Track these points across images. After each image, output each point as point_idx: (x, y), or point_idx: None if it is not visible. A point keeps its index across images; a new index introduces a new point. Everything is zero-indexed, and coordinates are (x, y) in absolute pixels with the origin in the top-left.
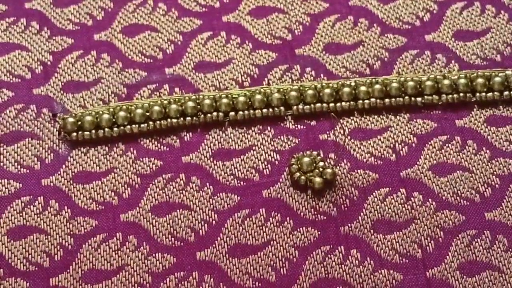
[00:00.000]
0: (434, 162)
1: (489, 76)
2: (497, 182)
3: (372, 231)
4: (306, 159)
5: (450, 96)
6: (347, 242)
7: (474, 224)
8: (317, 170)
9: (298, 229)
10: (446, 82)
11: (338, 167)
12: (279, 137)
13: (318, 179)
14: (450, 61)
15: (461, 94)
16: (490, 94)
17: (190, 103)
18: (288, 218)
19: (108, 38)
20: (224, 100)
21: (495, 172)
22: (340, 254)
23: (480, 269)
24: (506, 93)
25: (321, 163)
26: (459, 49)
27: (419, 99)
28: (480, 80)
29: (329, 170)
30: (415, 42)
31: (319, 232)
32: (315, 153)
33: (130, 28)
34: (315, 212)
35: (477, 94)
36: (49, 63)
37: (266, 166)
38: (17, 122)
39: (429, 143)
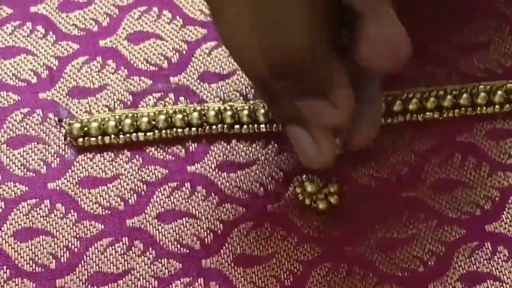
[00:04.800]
0: (434, 180)
1: (490, 89)
2: (497, 194)
3: (375, 248)
4: (310, 184)
5: (451, 112)
6: (350, 259)
7: (475, 237)
8: (320, 195)
9: (302, 245)
10: (448, 97)
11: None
12: (283, 152)
13: (323, 202)
14: (451, 74)
15: (462, 109)
16: (490, 108)
17: (195, 114)
18: (292, 234)
19: (114, 45)
20: (228, 113)
21: (494, 185)
22: (343, 270)
23: (481, 279)
24: (506, 106)
25: (325, 189)
26: (460, 62)
27: (420, 116)
28: (481, 94)
29: (334, 196)
30: None
31: (322, 250)
32: (318, 179)
33: (135, 35)
34: (319, 232)
35: (478, 109)
36: (54, 68)
37: (271, 182)
38: (23, 126)
39: (429, 161)
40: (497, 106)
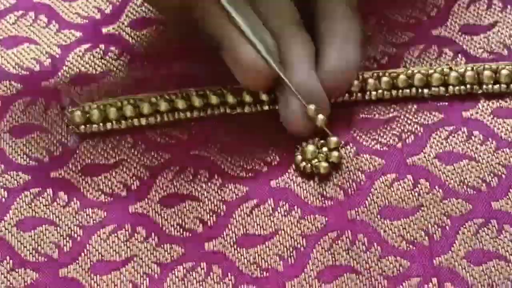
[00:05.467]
0: (440, 151)
1: (496, 69)
2: (504, 172)
3: (379, 216)
4: (309, 147)
5: (457, 88)
6: (354, 227)
7: (481, 213)
8: (321, 155)
9: (306, 217)
10: (453, 74)
11: (343, 149)
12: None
13: (323, 164)
14: (456, 54)
15: (468, 86)
16: (497, 86)
17: (197, 97)
18: (295, 206)
19: (116, 32)
20: (231, 95)
21: (501, 162)
22: (347, 239)
23: (487, 258)
24: None
25: (325, 148)
26: (465, 43)
27: (426, 90)
28: (487, 73)
29: (334, 153)
30: (422, 37)
31: (326, 219)
32: (317, 138)
33: (138, 22)
34: (322, 198)
35: (484, 87)
36: (57, 56)
37: (275, 158)
38: (26, 115)
39: (435, 132)
40: (503, 85)
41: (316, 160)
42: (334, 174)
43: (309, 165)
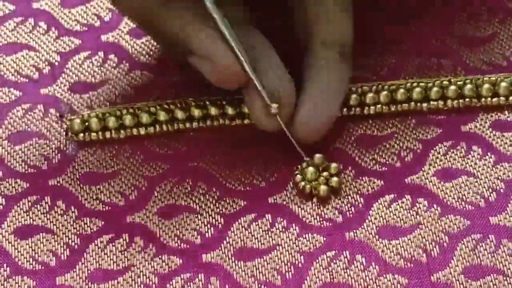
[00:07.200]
0: (439, 168)
1: (495, 81)
2: (502, 186)
3: (377, 236)
4: (310, 169)
5: (456, 101)
6: (352, 247)
7: (479, 229)
8: (322, 178)
9: (304, 235)
10: (452, 87)
11: (342, 174)
12: (287, 144)
13: (323, 187)
14: (456, 66)
15: (467, 100)
16: (495, 99)
17: (197, 107)
18: (293, 224)
19: (116, 40)
20: (230, 107)
21: (499, 177)
22: (346, 259)
23: (485, 273)
24: (511, 98)
25: (325, 172)
26: (465, 55)
27: (424, 104)
28: (485, 86)
29: (335, 178)
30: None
31: (324, 238)
32: (318, 156)
33: (137, 30)
34: (321, 219)
35: (483, 100)
36: (56, 63)
37: (273, 174)
38: (24, 121)
39: (434, 148)
40: (502, 98)
41: (316, 182)
42: (333, 197)
43: (309, 186)
